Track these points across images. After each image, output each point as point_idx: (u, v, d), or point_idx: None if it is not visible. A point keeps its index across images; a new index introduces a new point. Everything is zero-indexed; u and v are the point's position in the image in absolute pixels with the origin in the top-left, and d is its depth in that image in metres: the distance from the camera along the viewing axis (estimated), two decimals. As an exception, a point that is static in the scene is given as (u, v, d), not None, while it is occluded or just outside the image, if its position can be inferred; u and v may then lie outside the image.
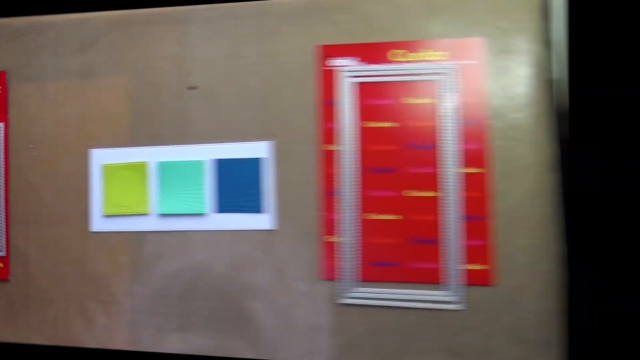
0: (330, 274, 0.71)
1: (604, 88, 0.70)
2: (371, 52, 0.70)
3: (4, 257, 0.79)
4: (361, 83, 0.70)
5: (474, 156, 0.68)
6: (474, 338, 0.68)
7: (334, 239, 0.71)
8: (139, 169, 0.75)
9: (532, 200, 0.66)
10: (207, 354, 0.74)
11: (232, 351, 0.73)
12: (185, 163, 0.74)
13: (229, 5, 0.74)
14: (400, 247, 0.69)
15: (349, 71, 0.70)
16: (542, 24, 0.66)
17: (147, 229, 0.75)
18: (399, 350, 0.69)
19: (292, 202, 0.72)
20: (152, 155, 0.75)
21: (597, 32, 0.71)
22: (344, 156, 0.70)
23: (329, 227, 0.71)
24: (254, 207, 0.72)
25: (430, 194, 0.69)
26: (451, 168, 0.68)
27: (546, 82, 0.66)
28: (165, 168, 0.74)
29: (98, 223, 0.76)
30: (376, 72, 0.70)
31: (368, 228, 0.70)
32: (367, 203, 0.70)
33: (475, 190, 0.68)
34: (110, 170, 0.76)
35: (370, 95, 0.70)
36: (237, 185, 0.73)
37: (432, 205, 0.69)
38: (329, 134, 0.71)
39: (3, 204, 0.78)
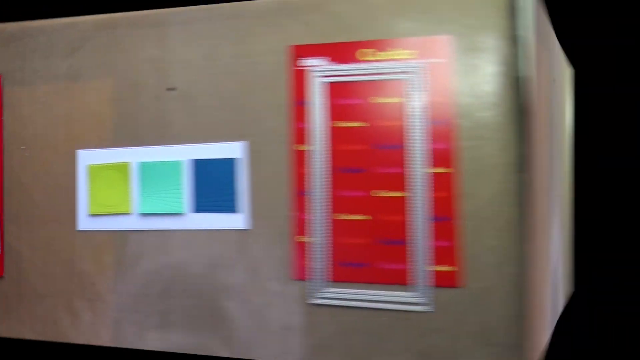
0: (301, 274, 0.76)
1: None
2: (341, 52, 0.75)
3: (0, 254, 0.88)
4: (331, 83, 0.75)
5: (441, 156, 0.72)
6: (441, 340, 0.72)
7: (305, 239, 0.76)
8: (122, 169, 0.83)
9: (500, 200, 0.70)
10: (185, 351, 0.81)
11: (208, 350, 0.80)
12: (164, 163, 0.81)
13: (206, 7, 0.80)
14: (370, 248, 0.74)
15: (320, 71, 0.76)
16: (509, 20, 0.70)
17: (129, 228, 0.83)
18: (368, 351, 0.74)
19: (266, 202, 0.78)
20: (134, 155, 0.82)
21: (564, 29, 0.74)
22: (314, 156, 0.76)
23: (300, 227, 0.76)
24: (229, 207, 0.79)
25: (399, 194, 0.73)
26: (419, 168, 0.73)
27: (514, 79, 0.70)
28: (145, 168, 0.82)
29: (84, 222, 0.85)
30: (345, 71, 0.75)
31: (338, 228, 0.75)
32: (337, 203, 0.75)
33: (443, 190, 0.72)
34: (95, 171, 0.84)
35: (340, 95, 0.75)
36: (213, 185, 0.79)
37: (400, 206, 0.73)
38: (300, 134, 0.76)
39: (-2, 203, 0.88)
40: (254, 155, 0.79)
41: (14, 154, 0.88)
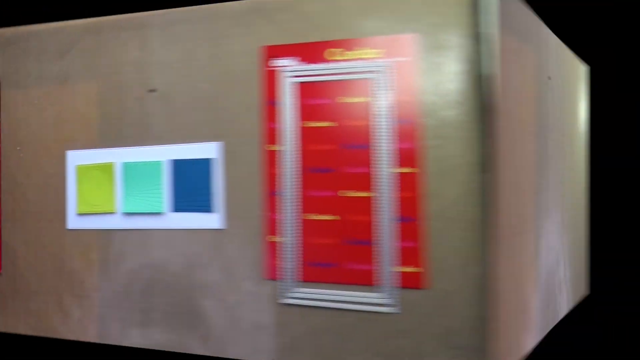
0: (273, 274, 0.77)
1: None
2: (310, 52, 0.75)
3: (-3, 252, 0.91)
4: (301, 83, 0.75)
5: (407, 156, 0.71)
6: (407, 341, 0.71)
7: (277, 239, 0.76)
8: (107, 169, 0.85)
9: (465, 200, 0.69)
10: (166, 349, 0.82)
11: (186, 347, 0.81)
12: (145, 164, 0.82)
13: (184, 9, 0.81)
14: (338, 248, 0.74)
15: (290, 71, 0.76)
16: (472, 18, 0.69)
17: (113, 227, 0.84)
18: (337, 351, 0.74)
19: (240, 201, 0.78)
20: (118, 156, 0.84)
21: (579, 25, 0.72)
22: (285, 156, 0.76)
23: (272, 227, 0.77)
24: (205, 206, 0.80)
25: (365, 194, 0.73)
26: (385, 168, 0.72)
27: (477, 78, 0.69)
28: (128, 168, 0.83)
29: (73, 221, 0.87)
30: (314, 71, 0.75)
31: (308, 228, 0.75)
32: (307, 203, 0.75)
33: (409, 190, 0.71)
34: (82, 171, 0.86)
35: (310, 95, 0.75)
36: (190, 185, 0.80)
37: (366, 206, 0.73)
38: (271, 134, 0.77)
39: (-4, 202, 0.91)
40: (229, 155, 0.79)
41: (11, 155, 0.91)
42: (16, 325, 0.91)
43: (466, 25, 0.69)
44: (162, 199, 0.82)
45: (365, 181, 0.73)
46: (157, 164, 0.82)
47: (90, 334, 0.87)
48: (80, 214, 0.87)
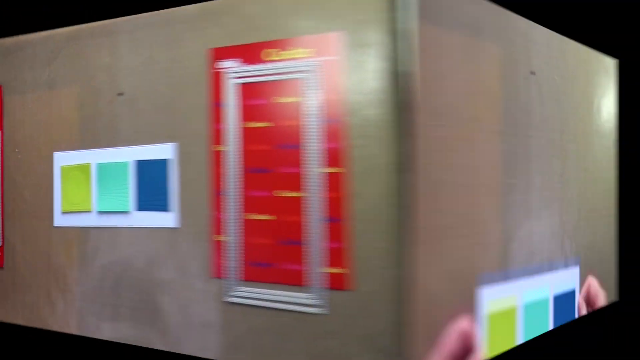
0: (219, 273, 0.78)
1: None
2: (249, 53, 0.76)
3: (1, 246, 0.97)
4: (243, 84, 0.76)
5: (333, 155, 0.70)
6: (334, 343, 0.71)
7: (222, 238, 0.77)
8: (85, 169, 0.89)
9: (387, 201, 0.67)
10: (132, 343, 0.85)
11: (148, 342, 0.84)
12: (114, 164, 0.86)
13: (146, 14, 0.84)
14: (274, 248, 0.74)
15: (232, 72, 0.77)
16: (391, 13, 0.67)
17: (89, 224, 0.88)
18: (276, 351, 0.74)
19: (192, 201, 0.80)
20: (93, 157, 0.88)
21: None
22: (228, 156, 0.77)
23: (218, 226, 0.78)
24: (163, 205, 0.82)
25: (297, 194, 0.73)
26: (313, 168, 0.71)
27: (398, 75, 0.67)
28: (101, 169, 0.87)
29: (58, 219, 0.92)
30: (252, 72, 0.75)
31: (249, 228, 0.76)
32: (248, 203, 0.76)
33: (335, 190, 0.70)
34: (66, 171, 0.90)
35: (250, 96, 0.76)
36: (151, 185, 0.83)
37: (298, 206, 0.72)
38: (217, 135, 0.78)
39: None
40: (183, 156, 0.81)
41: (10, 156, 0.97)
42: (15, 317, 0.97)
43: (386, 22, 0.68)
44: (128, 198, 0.85)
45: (297, 181, 0.73)
46: (124, 165, 0.85)
47: (72, 327, 0.91)
48: (64, 212, 0.91)
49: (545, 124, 0.91)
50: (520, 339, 0.58)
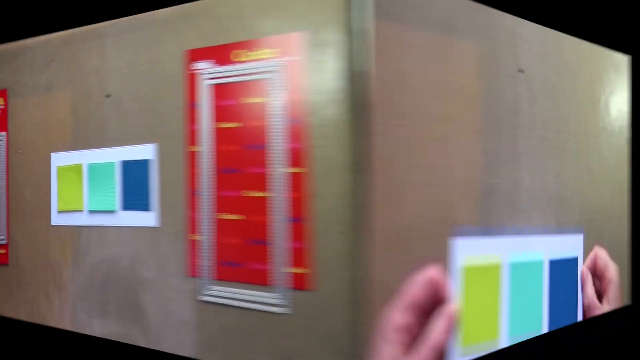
0: (193, 272, 0.79)
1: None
2: (221, 54, 0.76)
3: (5, 244, 1.00)
4: (215, 85, 0.77)
5: (296, 155, 0.70)
6: (298, 343, 0.71)
7: (197, 237, 0.78)
8: (77, 170, 0.91)
9: (347, 201, 0.67)
10: (118, 340, 0.87)
11: (132, 339, 0.85)
12: (102, 164, 0.88)
13: (129, 18, 0.86)
14: (243, 248, 0.75)
15: (206, 74, 0.77)
16: (347, 12, 0.67)
17: (81, 223, 0.91)
18: (244, 350, 0.75)
19: (171, 201, 0.81)
20: (85, 157, 0.90)
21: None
22: (202, 157, 0.78)
23: (193, 225, 0.79)
24: (145, 205, 0.83)
25: (262, 194, 0.73)
26: (277, 168, 0.71)
27: (354, 74, 0.66)
28: (91, 169, 0.89)
29: (55, 218, 0.94)
30: (223, 73, 0.76)
31: (221, 228, 0.77)
32: (220, 203, 0.76)
33: (297, 190, 0.70)
34: (61, 172, 0.93)
35: (221, 97, 0.76)
36: (134, 185, 0.84)
37: (264, 206, 0.73)
38: (192, 136, 0.79)
39: (5, 199, 1.00)
40: (163, 156, 0.82)
41: (14, 157, 1.00)
42: (19, 312, 1.00)
43: (344, 21, 0.67)
44: (115, 198, 0.87)
45: (263, 181, 0.73)
46: (111, 165, 0.87)
47: (67, 323, 0.93)
48: (60, 212, 0.94)
49: (538, 123, 0.89)
50: (506, 298, 0.55)
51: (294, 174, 0.71)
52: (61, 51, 0.94)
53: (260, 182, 0.73)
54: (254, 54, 0.74)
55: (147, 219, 0.83)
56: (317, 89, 0.69)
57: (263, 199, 0.73)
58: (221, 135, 0.77)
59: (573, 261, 0.65)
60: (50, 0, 0.99)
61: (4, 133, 1.01)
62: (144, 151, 0.84)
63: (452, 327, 0.49)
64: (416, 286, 0.51)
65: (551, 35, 0.92)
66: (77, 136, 0.92)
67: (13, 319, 1.01)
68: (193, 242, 0.79)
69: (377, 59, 0.67)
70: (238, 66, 0.75)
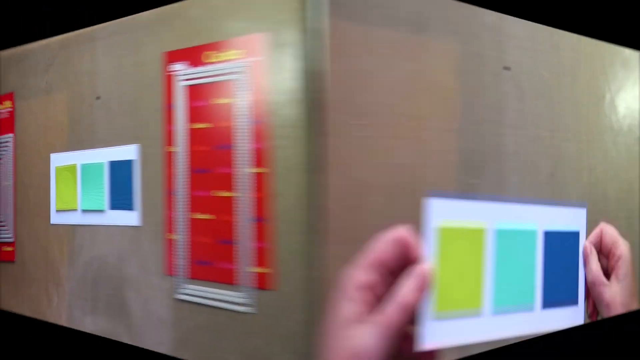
0: (170, 270, 0.80)
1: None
2: (194, 56, 0.77)
3: (12, 242, 1.03)
4: (190, 86, 0.78)
5: (259, 156, 0.71)
6: (261, 342, 0.71)
7: (173, 236, 0.79)
8: (72, 170, 0.93)
9: (305, 201, 0.67)
10: (107, 336, 0.88)
11: (118, 336, 0.87)
12: (93, 165, 0.90)
13: (116, 21, 0.87)
14: (213, 247, 0.75)
15: (180, 75, 0.78)
16: (303, 12, 0.67)
17: (75, 222, 0.93)
18: (212, 349, 0.76)
19: (152, 200, 0.82)
20: (79, 158, 0.92)
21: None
22: (177, 157, 0.79)
23: (169, 225, 0.80)
24: (128, 204, 0.85)
25: (229, 194, 0.73)
26: (242, 168, 0.72)
27: (310, 74, 0.66)
28: (84, 169, 0.91)
29: (54, 217, 0.97)
30: (196, 74, 0.77)
31: (194, 227, 0.77)
32: (194, 202, 0.77)
33: (260, 190, 0.71)
34: (59, 172, 0.96)
35: (194, 98, 0.77)
36: (120, 185, 0.86)
37: (231, 206, 0.73)
38: (169, 136, 0.80)
39: (12, 199, 1.03)
40: (145, 156, 0.84)
41: (19, 158, 1.03)
42: (23, 308, 1.03)
43: (302, 22, 0.67)
44: (104, 198, 0.89)
45: (230, 181, 0.74)
46: (100, 165, 0.89)
47: (63, 319, 0.96)
48: (58, 211, 0.96)
49: (528, 121, 0.87)
50: (490, 265, 0.52)
51: (257, 174, 0.71)
52: (59, 55, 0.96)
53: (228, 182, 0.74)
54: (222, 55, 0.75)
55: (130, 218, 0.85)
56: (277, 89, 0.69)
57: (230, 198, 0.74)
58: (194, 136, 0.77)
59: (573, 235, 0.62)
60: (50, 0, 1.02)
61: (11, 135, 1.04)
62: (127, 152, 0.85)
63: (423, 288, 0.46)
64: (381, 244, 0.48)
65: (544, 31, 0.90)
66: (72, 137, 0.94)
67: (18, 315, 1.04)
68: (170, 241, 0.80)
69: (334, 59, 0.66)
70: (209, 67, 0.76)
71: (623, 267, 0.64)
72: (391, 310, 0.46)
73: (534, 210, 0.58)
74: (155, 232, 0.82)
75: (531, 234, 0.57)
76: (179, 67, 0.79)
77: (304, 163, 0.67)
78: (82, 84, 0.92)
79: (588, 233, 0.64)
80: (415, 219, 0.73)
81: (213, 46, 0.75)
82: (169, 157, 0.80)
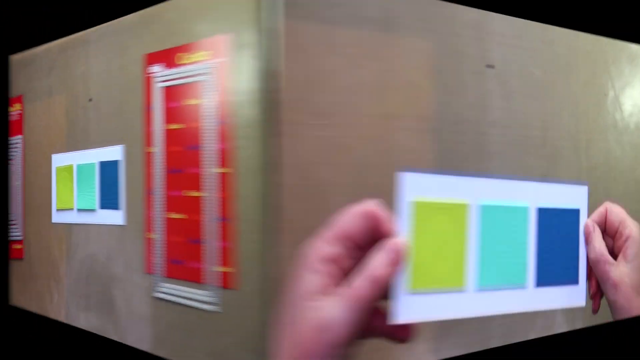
0: (149, 269, 0.81)
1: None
2: (169, 57, 0.78)
3: (22, 240, 1.07)
4: (166, 87, 0.79)
5: (223, 156, 0.71)
6: (226, 341, 0.72)
7: (152, 235, 0.81)
8: (70, 170, 0.96)
9: (260, 202, 0.67)
10: (98, 333, 0.90)
11: (107, 333, 0.89)
12: (86, 165, 0.92)
13: (106, 25, 0.89)
14: (185, 246, 0.76)
15: (158, 77, 0.80)
16: (259, 13, 0.67)
17: (72, 221, 0.95)
18: (183, 347, 0.77)
19: (134, 200, 0.84)
20: (74, 158, 0.95)
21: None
22: (155, 157, 0.80)
23: (149, 224, 0.81)
24: (115, 204, 0.87)
25: (198, 194, 0.74)
26: (209, 168, 0.73)
27: (266, 74, 0.67)
28: (79, 170, 0.94)
29: (55, 216, 0.99)
30: (170, 76, 0.78)
31: (170, 226, 0.79)
32: (169, 202, 0.79)
33: (224, 190, 0.71)
34: (58, 172, 0.98)
35: (169, 99, 0.78)
36: (108, 185, 0.88)
37: (199, 206, 0.74)
38: (148, 137, 0.81)
39: (22, 198, 1.07)
40: (129, 157, 0.85)
41: (27, 159, 1.07)
42: (30, 304, 1.06)
43: (260, 22, 0.67)
44: (95, 197, 0.91)
45: (198, 181, 0.74)
46: (92, 166, 0.91)
47: (62, 315, 0.98)
48: (58, 210, 0.99)
49: (515, 120, 0.85)
50: (474, 243, 0.50)
51: (222, 174, 0.72)
52: (58, 59, 0.99)
53: (197, 182, 0.75)
54: (192, 57, 0.75)
55: (117, 217, 0.87)
56: (238, 90, 0.70)
57: (199, 198, 0.74)
58: (169, 137, 0.78)
59: (572, 212, 0.59)
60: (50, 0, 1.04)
61: (20, 136, 1.08)
62: (114, 152, 0.87)
63: (396, 262, 0.45)
64: (348, 217, 0.47)
65: (534, 28, 0.88)
66: (69, 138, 0.97)
67: (27, 311, 1.07)
68: (149, 240, 0.81)
69: (289, 59, 0.66)
70: (181, 69, 0.77)
71: (632, 247, 0.59)
72: (360, 284, 0.43)
73: (525, 187, 0.55)
74: (138, 231, 0.83)
75: (522, 210, 0.55)
76: (157, 69, 0.80)
77: (262, 163, 0.67)
78: (78, 87, 0.95)
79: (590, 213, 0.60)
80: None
81: (184, 48, 0.76)
82: (148, 158, 0.81)
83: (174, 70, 0.78)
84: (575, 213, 0.58)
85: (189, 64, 0.76)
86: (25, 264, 1.07)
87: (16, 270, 1.09)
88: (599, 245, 0.57)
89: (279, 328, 0.45)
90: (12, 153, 1.09)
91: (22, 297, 1.08)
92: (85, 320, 0.93)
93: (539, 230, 0.55)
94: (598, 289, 0.58)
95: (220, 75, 0.72)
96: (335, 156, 0.70)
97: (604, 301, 0.58)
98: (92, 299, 0.92)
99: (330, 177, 0.69)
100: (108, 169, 0.88)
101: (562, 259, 0.57)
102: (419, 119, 0.76)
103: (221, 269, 0.72)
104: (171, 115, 0.78)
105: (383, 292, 0.44)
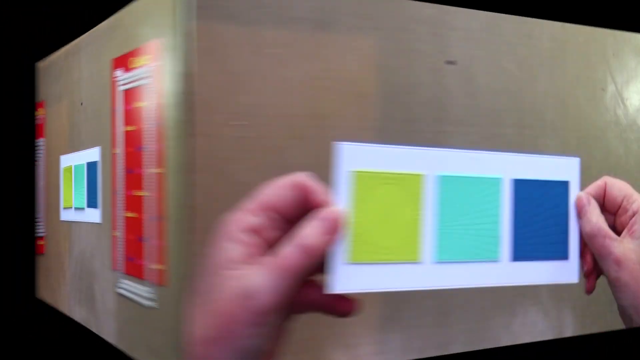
0: (115, 265, 0.85)
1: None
2: (125, 62, 0.81)
3: (44, 236, 1.14)
4: (124, 90, 0.82)
5: (158, 156, 0.74)
6: (163, 337, 0.74)
7: (116, 233, 0.84)
8: (70, 171, 1.01)
9: (182, 201, 0.69)
10: (86, 326, 0.95)
11: (91, 326, 0.93)
12: (79, 166, 0.97)
13: (92, 30, 0.94)
14: (135, 244, 0.79)
15: (118, 80, 0.83)
16: (174, 16, 0.69)
17: (70, 219, 1.01)
18: (136, 344, 0.80)
19: (106, 199, 0.88)
20: (73, 160, 1.00)
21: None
22: (118, 158, 0.84)
23: (114, 222, 0.85)
24: (94, 203, 0.91)
25: (141, 193, 0.77)
26: (148, 168, 0.75)
27: (182, 76, 0.68)
28: (75, 170, 0.99)
29: (62, 214, 1.05)
30: (126, 79, 0.81)
31: (127, 224, 0.82)
32: (126, 201, 0.82)
33: (159, 190, 0.74)
34: (64, 173, 1.04)
35: (127, 101, 0.82)
36: (91, 185, 0.93)
37: (141, 205, 0.77)
38: (114, 139, 0.85)
39: (44, 197, 1.14)
40: (103, 158, 0.89)
41: (48, 160, 1.13)
42: (49, 297, 1.13)
43: (175, 26, 0.69)
44: (84, 197, 0.96)
45: (141, 181, 0.77)
46: (82, 166, 0.96)
47: (66, 309, 1.04)
48: (64, 208, 1.05)
49: (480, 118, 0.82)
50: (431, 216, 0.48)
51: (158, 174, 0.74)
52: (64, 65, 1.05)
53: (141, 182, 0.77)
54: (140, 61, 0.78)
55: (96, 215, 0.91)
56: (166, 92, 0.71)
57: (141, 197, 0.77)
58: (127, 138, 0.82)
59: (559, 184, 0.56)
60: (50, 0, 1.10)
61: (42, 139, 1.15)
62: (94, 154, 0.91)
63: (331, 231, 0.43)
64: (274, 189, 0.45)
65: (507, 22, 0.84)
66: (70, 140, 1.02)
67: (47, 303, 1.14)
68: (114, 237, 0.85)
69: (205, 61, 0.68)
70: (132, 73, 0.80)
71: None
72: (290, 252, 0.41)
73: (497, 159, 0.53)
74: (109, 229, 0.87)
75: (492, 181, 0.53)
76: (119, 73, 0.83)
77: (182, 163, 0.68)
78: (74, 92, 1.00)
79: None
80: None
81: (135, 52, 0.79)
82: (114, 159, 0.85)
83: (129, 74, 0.81)
84: (563, 185, 0.54)
85: (138, 67, 0.78)
86: (45, 259, 1.14)
87: (40, 265, 1.16)
88: (596, 219, 0.52)
89: (194, 298, 0.43)
90: (37, 155, 1.16)
91: (44, 290, 1.15)
92: (79, 313, 0.98)
93: (516, 203, 0.51)
94: (594, 266, 0.54)
95: (156, 78, 0.74)
96: (259, 157, 0.70)
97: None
98: (83, 293, 0.96)
99: (252, 177, 0.69)
100: (91, 170, 0.92)
101: (546, 233, 0.53)
102: (359, 118, 0.75)
103: (156, 266, 0.74)
104: (128, 117, 0.81)
105: (318, 263, 0.42)
